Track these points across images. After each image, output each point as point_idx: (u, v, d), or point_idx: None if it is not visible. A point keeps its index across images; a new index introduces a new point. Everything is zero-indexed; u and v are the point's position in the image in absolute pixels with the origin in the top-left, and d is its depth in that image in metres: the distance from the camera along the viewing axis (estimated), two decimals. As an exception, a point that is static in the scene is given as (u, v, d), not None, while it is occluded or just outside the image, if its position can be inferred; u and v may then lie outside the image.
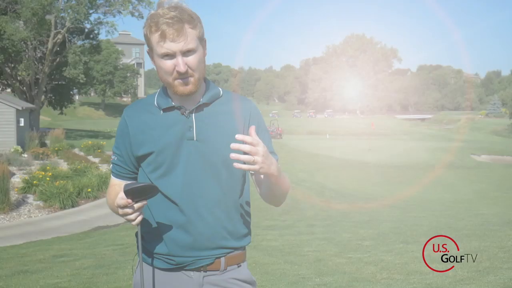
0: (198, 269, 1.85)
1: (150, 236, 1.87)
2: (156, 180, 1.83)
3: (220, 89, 1.92)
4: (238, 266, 1.91)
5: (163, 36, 1.72)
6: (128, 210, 1.72)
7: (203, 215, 1.81)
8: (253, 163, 1.63)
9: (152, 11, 1.77)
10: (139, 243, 1.80)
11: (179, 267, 1.85)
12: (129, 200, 1.70)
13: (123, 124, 1.91)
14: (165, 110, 1.85)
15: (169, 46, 1.72)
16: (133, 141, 1.87)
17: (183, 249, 1.83)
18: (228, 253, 1.87)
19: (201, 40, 1.80)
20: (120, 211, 1.73)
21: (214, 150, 1.82)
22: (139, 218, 1.75)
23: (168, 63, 1.75)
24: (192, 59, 1.75)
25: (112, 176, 1.97)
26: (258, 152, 1.62)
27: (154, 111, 1.87)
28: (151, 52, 1.81)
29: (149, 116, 1.86)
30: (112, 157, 1.95)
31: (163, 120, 1.85)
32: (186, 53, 1.74)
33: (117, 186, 1.92)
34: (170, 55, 1.74)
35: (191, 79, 1.77)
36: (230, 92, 1.95)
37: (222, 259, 1.86)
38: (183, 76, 1.76)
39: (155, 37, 1.73)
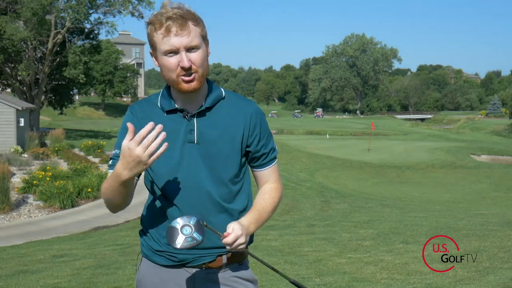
0: (200, 266, 1.87)
1: (153, 234, 1.89)
2: (160, 182, 1.85)
3: (222, 90, 1.93)
4: (240, 265, 1.93)
5: (167, 32, 1.73)
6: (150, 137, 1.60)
7: (205, 216, 1.81)
8: (238, 249, 1.74)
9: (155, 12, 1.79)
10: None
11: (181, 264, 1.87)
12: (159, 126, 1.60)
13: (130, 117, 1.89)
14: (168, 112, 1.87)
15: (173, 41, 1.73)
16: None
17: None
18: (230, 251, 1.88)
19: (205, 39, 1.81)
20: (140, 149, 1.60)
21: (215, 153, 1.84)
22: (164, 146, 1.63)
23: (171, 60, 1.76)
24: (196, 56, 1.77)
25: (110, 170, 1.85)
26: (239, 243, 1.73)
27: (158, 112, 1.88)
28: (154, 52, 1.81)
29: (154, 117, 1.87)
30: (114, 151, 1.87)
31: (166, 122, 1.84)
32: (190, 49, 1.75)
33: None
34: (174, 52, 1.75)
35: (195, 75, 1.78)
36: (232, 93, 1.96)
37: (224, 257, 1.89)
38: (188, 73, 1.76)
39: (159, 34, 1.75)
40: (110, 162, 1.92)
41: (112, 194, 1.77)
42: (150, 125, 1.60)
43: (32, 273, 6.36)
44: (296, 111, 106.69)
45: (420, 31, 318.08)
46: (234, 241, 1.70)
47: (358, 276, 5.50)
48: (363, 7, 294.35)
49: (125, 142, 1.61)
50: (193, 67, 1.76)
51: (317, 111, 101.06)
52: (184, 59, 1.74)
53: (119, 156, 1.82)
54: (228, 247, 1.72)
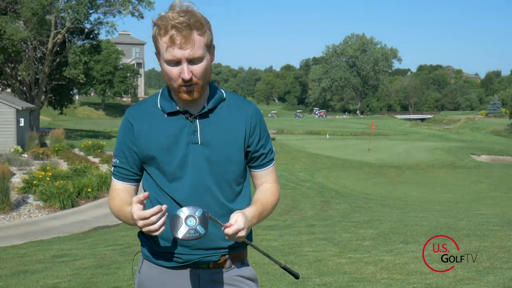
0: (204, 267, 1.88)
1: (157, 236, 1.88)
2: (163, 184, 1.85)
3: (223, 91, 1.94)
4: (242, 264, 1.95)
5: (170, 42, 1.72)
6: (152, 219, 1.65)
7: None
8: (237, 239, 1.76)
9: (163, 13, 1.76)
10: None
11: (185, 265, 1.87)
12: (164, 206, 1.67)
13: (127, 124, 1.90)
14: (169, 114, 1.86)
15: (175, 53, 1.72)
16: (138, 142, 1.87)
17: (190, 248, 1.85)
18: (233, 251, 1.90)
19: (209, 47, 1.80)
20: (141, 222, 1.66)
21: (218, 154, 1.85)
22: (163, 228, 1.69)
23: (173, 70, 1.76)
24: (197, 68, 1.76)
25: (114, 179, 1.95)
26: (239, 236, 1.73)
27: (158, 114, 1.88)
28: (158, 54, 1.81)
29: (153, 118, 1.87)
30: (114, 160, 1.94)
31: (168, 124, 1.86)
32: (192, 60, 1.74)
33: (120, 191, 1.91)
34: (176, 62, 1.74)
35: (195, 87, 1.78)
36: (232, 94, 1.97)
37: (228, 256, 1.90)
38: (187, 83, 1.76)
39: (163, 42, 1.74)
40: (113, 170, 1.96)
41: (122, 219, 1.89)
42: (157, 208, 1.65)
43: (32, 273, 6.36)
44: (298, 111, 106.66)
45: (420, 31, 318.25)
46: (235, 233, 1.71)
47: (358, 276, 5.49)
48: (363, 7, 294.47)
49: (134, 209, 1.66)
50: (194, 79, 1.76)
51: (321, 111, 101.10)
52: (185, 71, 1.74)
53: (119, 166, 1.91)
54: (226, 237, 1.73)
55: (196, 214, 1.62)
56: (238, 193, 1.92)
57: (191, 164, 1.83)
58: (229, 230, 1.70)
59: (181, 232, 1.60)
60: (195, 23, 1.72)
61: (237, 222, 1.71)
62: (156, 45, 1.78)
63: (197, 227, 1.61)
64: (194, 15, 1.74)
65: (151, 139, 1.85)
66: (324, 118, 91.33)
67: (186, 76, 1.74)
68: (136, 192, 1.96)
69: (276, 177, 2.03)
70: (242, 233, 1.72)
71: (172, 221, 1.62)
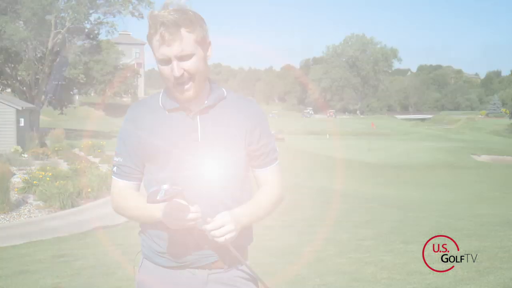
0: (202, 267, 1.87)
1: (155, 235, 1.88)
2: (162, 181, 1.84)
3: (224, 90, 1.93)
4: (241, 265, 1.93)
5: (159, 40, 1.73)
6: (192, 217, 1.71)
7: (209, 215, 1.80)
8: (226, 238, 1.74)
9: (155, 11, 1.76)
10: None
11: (183, 265, 1.87)
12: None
13: (129, 120, 1.90)
14: (170, 110, 1.86)
15: (164, 51, 1.73)
16: (139, 137, 1.87)
17: (188, 248, 1.84)
18: (231, 252, 1.88)
19: (202, 43, 1.79)
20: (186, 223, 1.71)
21: (218, 152, 1.84)
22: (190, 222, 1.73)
23: (166, 69, 1.76)
24: (188, 64, 1.75)
25: (116, 178, 1.92)
26: (226, 230, 1.72)
27: (159, 111, 1.88)
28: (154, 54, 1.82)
29: (155, 115, 1.87)
30: (116, 159, 1.92)
31: (168, 121, 1.86)
32: (182, 57, 1.74)
33: (128, 189, 1.90)
34: (167, 61, 1.75)
35: (190, 84, 1.78)
36: (233, 92, 1.97)
37: (226, 257, 1.88)
38: (180, 81, 1.76)
39: (155, 40, 1.74)
40: (115, 169, 1.93)
41: (140, 214, 1.86)
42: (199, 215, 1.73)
43: (32, 273, 6.36)
44: (305, 110, 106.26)
45: (420, 31, 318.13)
46: (213, 230, 1.70)
47: (358, 276, 5.49)
48: (363, 7, 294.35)
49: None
50: (186, 75, 1.76)
51: (330, 111, 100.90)
52: (175, 68, 1.74)
53: (122, 164, 1.89)
54: (216, 233, 1.71)
55: (166, 182, 1.69)
56: (238, 191, 1.90)
57: (191, 161, 1.83)
58: (208, 226, 1.70)
59: (161, 195, 1.65)
60: (184, 21, 1.72)
61: (221, 217, 1.72)
62: (151, 45, 1.79)
63: (173, 186, 1.67)
64: (184, 12, 1.73)
65: (152, 134, 1.85)
66: (332, 118, 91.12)
67: (176, 73, 1.74)
68: (138, 191, 1.96)
69: (279, 177, 2.00)
70: (229, 227, 1.71)
71: (151, 196, 1.66)
